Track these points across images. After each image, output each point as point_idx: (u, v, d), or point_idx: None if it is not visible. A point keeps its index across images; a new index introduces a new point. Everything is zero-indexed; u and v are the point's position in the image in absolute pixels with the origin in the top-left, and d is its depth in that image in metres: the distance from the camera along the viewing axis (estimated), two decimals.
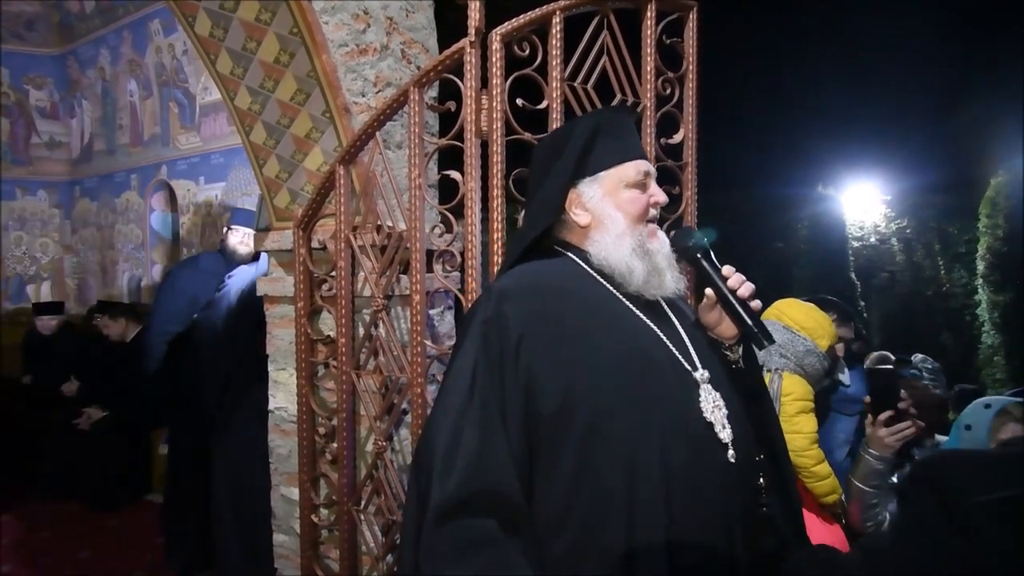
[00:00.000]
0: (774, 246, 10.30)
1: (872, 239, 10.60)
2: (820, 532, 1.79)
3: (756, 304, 1.15)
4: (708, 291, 1.16)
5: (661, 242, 1.20)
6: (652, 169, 1.23)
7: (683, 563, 1.00)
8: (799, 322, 1.90)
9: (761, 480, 1.14)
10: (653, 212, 1.21)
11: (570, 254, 1.21)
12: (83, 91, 6.12)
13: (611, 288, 1.16)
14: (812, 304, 2.12)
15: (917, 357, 5.19)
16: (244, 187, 4.72)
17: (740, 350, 1.21)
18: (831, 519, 1.93)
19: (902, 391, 2.06)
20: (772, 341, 1.13)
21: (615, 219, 1.17)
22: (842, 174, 9.83)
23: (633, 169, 1.19)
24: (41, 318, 5.18)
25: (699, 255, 1.18)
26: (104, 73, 5.88)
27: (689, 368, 1.12)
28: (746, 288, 1.14)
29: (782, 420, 1.63)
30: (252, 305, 2.72)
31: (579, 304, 1.13)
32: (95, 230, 6.18)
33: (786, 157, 8.58)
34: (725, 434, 1.07)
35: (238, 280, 2.93)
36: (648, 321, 1.14)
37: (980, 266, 9.33)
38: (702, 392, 1.09)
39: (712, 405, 1.09)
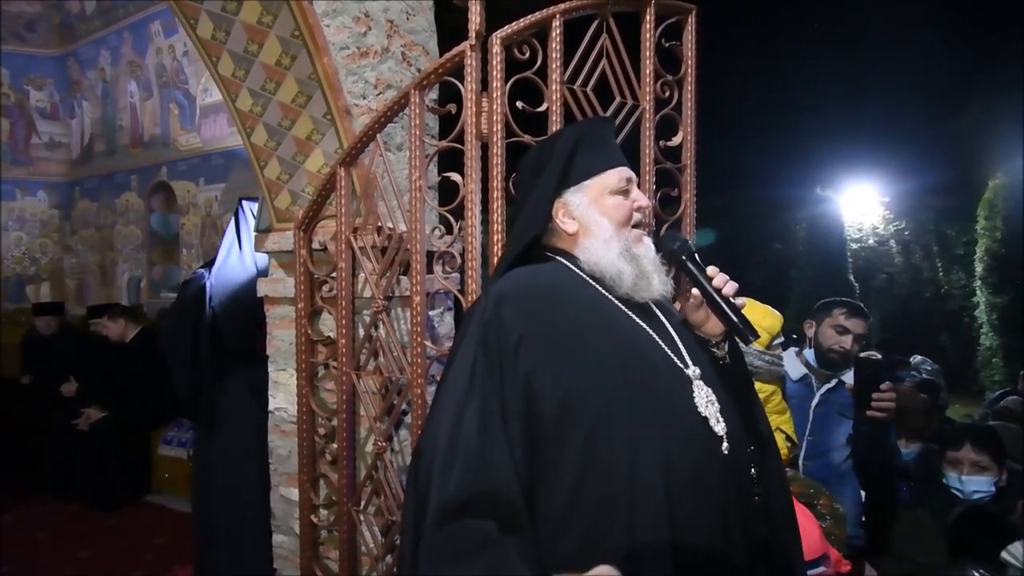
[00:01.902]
0: (773, 248, 10.32)
1: (871, 241, 10.62)
2: (799, 520, 1.80)
3: (740, 301, 1.20)
4: (694, 291, 1.21)
5: (647, 247, 1.23)
6: (634, 175, 1.27)
7: (686, 556, 1.01)
8: None
9: (753, 471, 1.18)
10: (638, 216, 1.24)
11: (560, 259, 1.23)
12: (83, 92, 6.14)
13: (603, 291, 1.19)
14: (750, 302, 2.22)
15: (916, 359, 5.20)
16: (243, 188, 4.73)
17: (726, 347, 1.26)
18: (806, 508, 1.95)
19: (885, 383, 2.10)
20: (757, 336, 1.18)
21: (602, 225, 1.20)
22: (841, 176, 9.84)
23: (616, 176, 1.23)
24: (41, 318, 5.18)
25: (684, 256, 1.23)
26: (104, 74, 5.89)
27: (681, 366, 1.15)
28: (730, 286, 1.19)
29: None
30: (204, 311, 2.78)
31: (575, 306, 1.15)
32: (95, 231, 6.19)
33: (785, 159, 8.59)
34: (719, 428, 1.10)
35: (194, 283, 2.96)
36: (640, 322, 1.17)
37: (978, 268, 9.35)
38: (695, 388, 1.12)
39: (705, 400, 1.12)
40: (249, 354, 2.74)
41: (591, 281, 1.19)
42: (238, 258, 2.89)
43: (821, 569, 1.74)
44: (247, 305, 2.71)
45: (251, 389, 2.78)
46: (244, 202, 2.94)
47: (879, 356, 2.27)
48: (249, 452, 2.77)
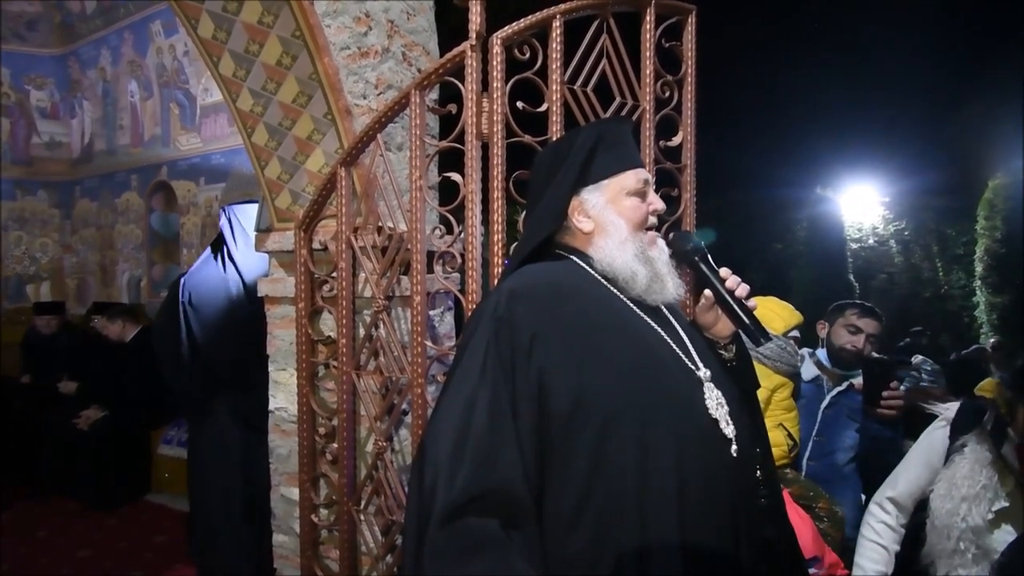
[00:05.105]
0: (773, 248, 10.32)
1: (870, 241, 10.63)
2: (792, 521, 1.81)
3: (752, 303, 1.20)
4: (706, 292, 1.22)
5: (660, 249, 1.23)
6: (650, 178, 1.28)
7: (695, 556, 1.02)
8: None
9: (758, 472, 1.19)
10: (652, 220, 1.24)
11: (573, 258, 1.23)
12: (84, 91, 6.14)
13: (615, 291, 1.19)
14: (769, 297, 2.40)
15: (917, 359, 5.21)
16: (243, 188, 4.73)
17: (734, 349, 1.27)
18: (802, 509, 1.96)
19: (894, 382, 2.14)
20: (768, 338, 1.18)
21: (618, 226, 1.20)
22: (840, 176, 9.85)
23: (633, 177, 1.22)
24: (41, 318, 5.19)
25: (697, 257, 1.23)
26: (105, 73, 5.89)
27: (692, 367, 1.15)
28: (742, 288, 1.20)
29: None
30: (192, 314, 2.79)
31: (587, 305, 1.14)
32: (95, 230, 6.19)
33: (785, 159, 8.59)
34: (729, 430, 1.11)
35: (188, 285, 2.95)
36: (651, 323, 1.17)
37: (978, 268, 9.36)
38: (706, 390, 1.12)
39: (715, 402, 1.12)
40: (233, 370, 2.76)
41: (604, 281, 1.19)
42: (211, 270, 2.84)
43: (813, 571, 1.75)
44: (225, 323, 2.73)
45: (235, 402, 2.81)
46: (226, 208, 2.90)
47: (887, 356, 2.30)
48: (233, 456, 2.80)
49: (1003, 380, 1.33)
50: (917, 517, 1.51)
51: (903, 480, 1.59)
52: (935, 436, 1.52)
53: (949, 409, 1.52)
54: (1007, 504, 1.26)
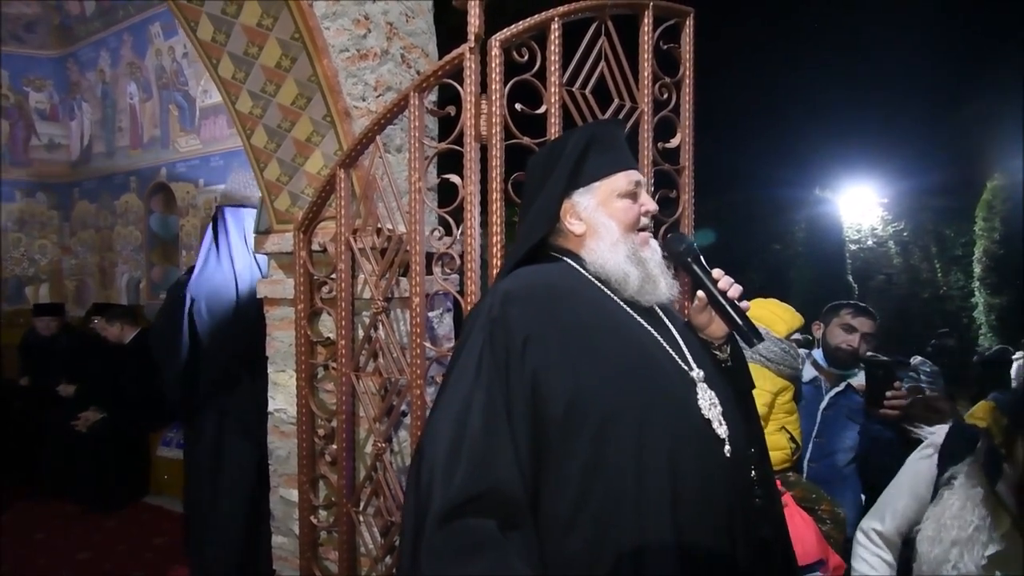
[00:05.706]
0: (772, 249, 10.33)
1: (869, 242, 10.63)
2: (795, 524, 1.81)
3: (745, 304, 1.20)
4: (699, 293, 1.22)
5: (653, 250, 1.24)
6: (642, 179, 1.28)
7: (691, 557, 1.02)
8: (751, 315, 1.95)
9: (753, 473, 1.19)
10: (644, 220, 1.25)
11: (567, 259, 1.24)
12: (83, 93, 6.13)
13: (608, 292, 1.19)
14: (771, 299, 2.42)
15: (915, 359, 5.21)
16: (243, 189, 4.74)
17: (728, 349, 1.27)
18: (805, 512, 1.96)
19: (895, 383, 2.14)
20: (761, 339, 1.19)
21: (609, 228, 1.20)
22: (839, 177, 9.86)
23: (624, 179, 1.23)
24: (41, 319, 5.19)
25: (690, 259, 1.23)
26: (104, 75, 5.89)
27: (685, 368, 1.15)
28: (735, 289, 1.20)
29: None
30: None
31: (581, 306, 1.15)
32: (94, 232, 6.19)
33: (783, 160, 8.60)
34: (722, 430, 1.11)
35: (180, 287, 2.95)
36: (645, 323, 1.18)
37: (977, 269, 9.37)
38: (699, 390, 1.13)
39: (708, 403, 1.12)
40: (240, 367, 2.77)
41: (597, 282, 1.20)
42: (216, 270, 2.86)
43: (818, 574, 1.74)
44: (236, 322, 2.75)
45: (230, 403, 2.81)
46: (226, 209, 2.91)
47: (885, 357, 2.30)
48: (233, 459, 2.80)
49: (999, 404, 1.25)
50: (907, 552, 1.41)
51: (890, 515, 1.48)
52: (921, 466, 1.42)
53: (936, 434, 1.41)
54: (1001, 547, 1.16)
